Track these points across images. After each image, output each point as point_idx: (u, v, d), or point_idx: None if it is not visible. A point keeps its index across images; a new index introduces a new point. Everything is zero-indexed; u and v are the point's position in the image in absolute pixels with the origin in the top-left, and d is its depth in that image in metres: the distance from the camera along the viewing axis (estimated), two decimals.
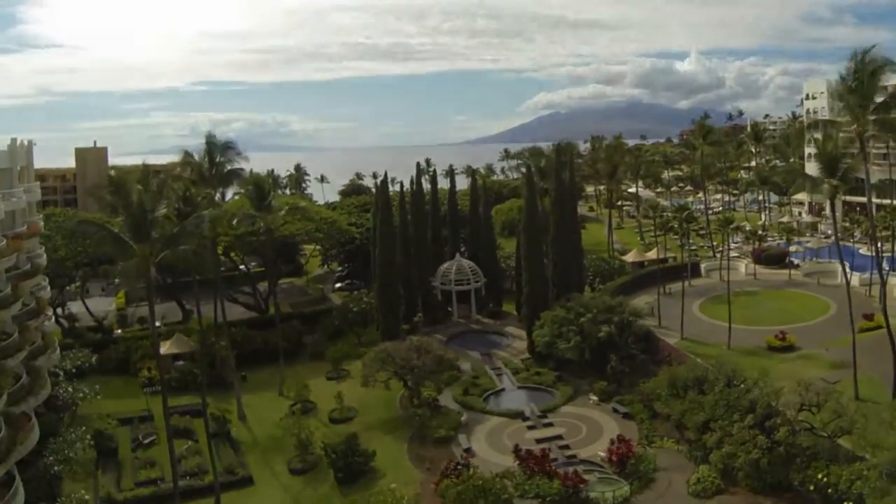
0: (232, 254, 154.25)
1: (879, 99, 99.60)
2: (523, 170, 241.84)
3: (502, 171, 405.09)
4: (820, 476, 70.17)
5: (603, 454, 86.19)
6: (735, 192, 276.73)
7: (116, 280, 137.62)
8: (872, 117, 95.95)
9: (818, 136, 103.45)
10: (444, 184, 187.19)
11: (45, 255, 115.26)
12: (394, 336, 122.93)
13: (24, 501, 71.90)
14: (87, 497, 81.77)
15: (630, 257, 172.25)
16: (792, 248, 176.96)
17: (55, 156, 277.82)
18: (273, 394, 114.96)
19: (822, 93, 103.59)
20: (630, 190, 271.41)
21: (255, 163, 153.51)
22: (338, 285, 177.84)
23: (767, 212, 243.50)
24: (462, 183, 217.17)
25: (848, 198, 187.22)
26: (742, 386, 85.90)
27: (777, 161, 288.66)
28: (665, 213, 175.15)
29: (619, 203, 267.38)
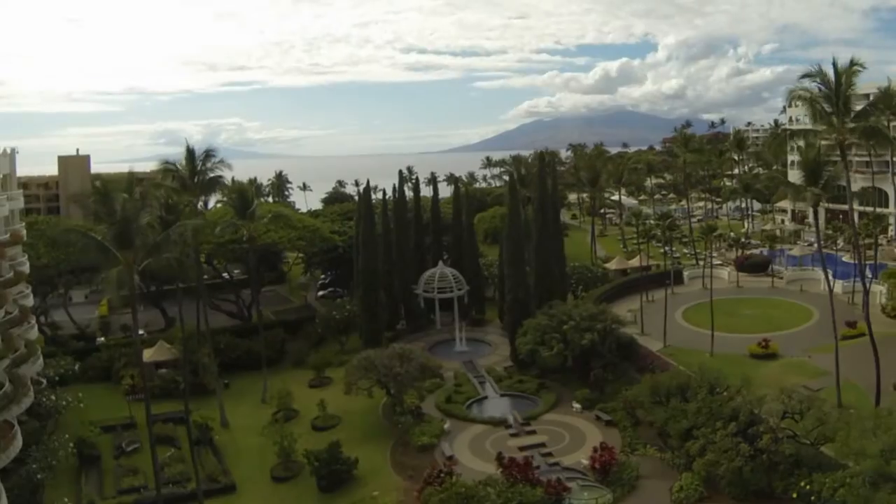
0: (215, 261, 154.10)
1: (859, 106, 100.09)
2: (506, 178, 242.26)
3: (484, 178, 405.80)
4: (803, 483, 70.23)
5: (586, 462, 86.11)
6: (718, 199, 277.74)
7: (99, 288, 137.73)
8: (852, 125, 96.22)
9: (800, 143, 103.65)
10: (426, 192, 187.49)
11: (27, 263, 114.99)
12: (376, 343, 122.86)
13: None
14: None
15: (613, 265, 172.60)
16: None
17: None
18: (256, 401, 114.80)
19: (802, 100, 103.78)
20: (613, 197, 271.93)
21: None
22: (321, 293, 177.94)
23: (750, 219, 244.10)
24: (445, 191, 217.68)
25: (831, 205, 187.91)
26: (725, 393, 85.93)
27: (760, 169, 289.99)
28: (648, 221, 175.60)
29: (602, 211, 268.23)
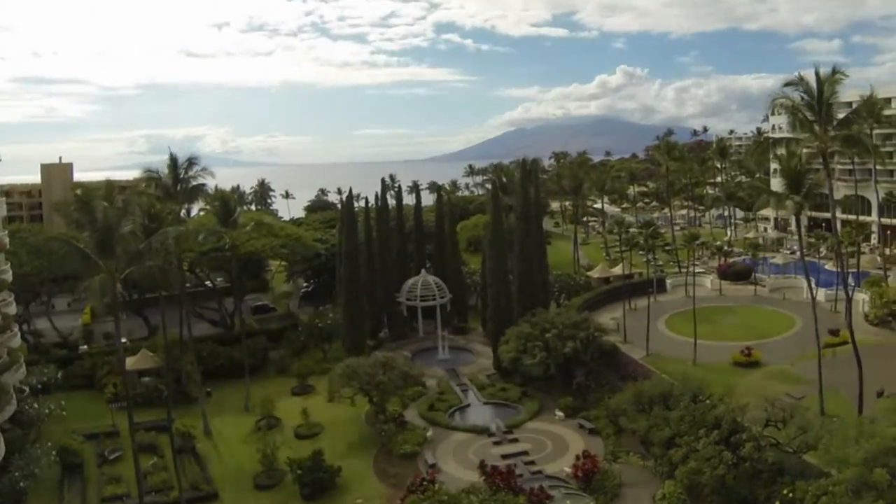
0: (198, 270, 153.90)
1: (841, 114, 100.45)
2: (488, 186, 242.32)
3: (467, 187, 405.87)
4: (786, 492, 70.19)
5: (568, 470, 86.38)
6: (701, 207, 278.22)
7: (82, 296, 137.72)
8: (834, 133, 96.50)
9: (782, 151, 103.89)
10: (409, 200, 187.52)
11: (10, 271, 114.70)
12: (359, 352, 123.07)
13: None
14: None
15: (595, 273, 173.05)
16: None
17: None
18: (238, 409, 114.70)
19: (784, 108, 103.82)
20: (596, 206, 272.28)
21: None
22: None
23: (733, 227, 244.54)
24: (428, 199, 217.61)
25: (813, 213, 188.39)
26: (708, 401, 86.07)
27: (742, 177, 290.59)
28: (630, 229, 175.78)
29: (585, 219, 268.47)
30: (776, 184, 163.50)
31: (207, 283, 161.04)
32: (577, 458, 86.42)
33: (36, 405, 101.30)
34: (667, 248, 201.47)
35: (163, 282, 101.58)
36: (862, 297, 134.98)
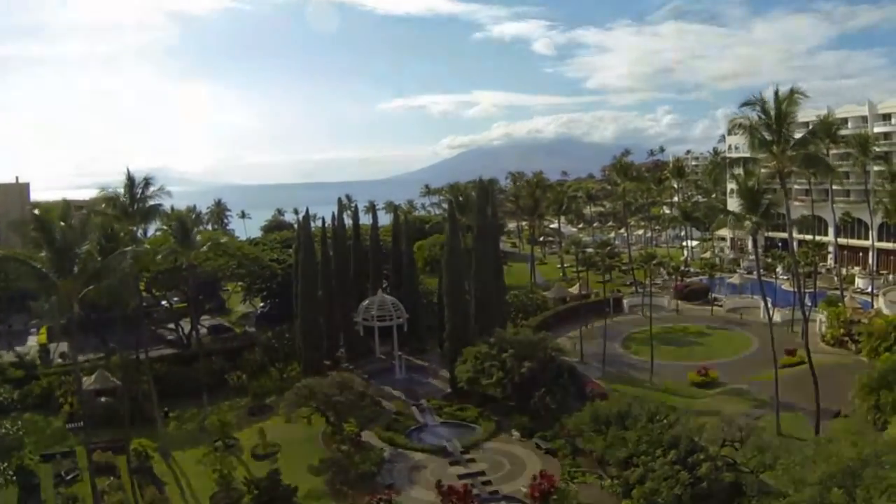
0: (154, 289, 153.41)
1: (798, 134, 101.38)
2: (445, 206, 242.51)
3: (423, 207, 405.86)
4: None
5: (525, 489, 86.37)
6: (657, 227, 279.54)
7: (40, 315, 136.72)
8: (791, 153, 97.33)
9: (739, 171, 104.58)
10: (366, 220, 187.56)
11: None
12: (317, 372, 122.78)
13: None
14: None
15: (552, 293, 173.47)
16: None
17: None
18: (195, 429, 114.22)
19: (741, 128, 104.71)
20: (552, 226, 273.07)
21: None
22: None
23: (689, 248, 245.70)
24: (385, 219, 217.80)
25: (770, 233, 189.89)
26: (665, 421, 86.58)
27: (699, 197, 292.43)
28: (587, 249, 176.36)
29: (542, 239, 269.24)
30: (733, 203, 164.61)
31: (164, 302, 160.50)
32: (534, 478, 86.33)
33: None
34: (623, 268, 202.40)
35: (120, 301, 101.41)
36: (819, 318, 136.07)
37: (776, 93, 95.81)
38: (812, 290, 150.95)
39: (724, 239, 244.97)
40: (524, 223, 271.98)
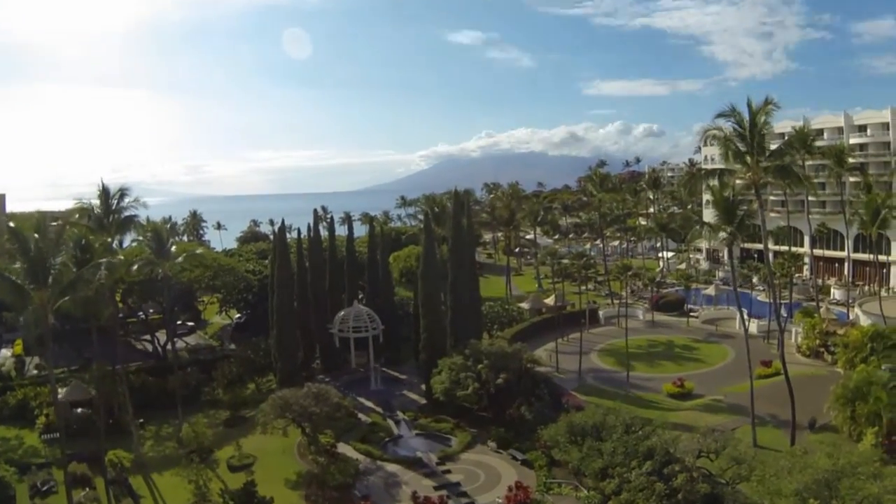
0: (130, 300, 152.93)
1: (774, 145, 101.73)
2: (421, 217, 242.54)
3: (399, 218, 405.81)
4: None
5: (500, 501, 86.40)
6: (633, 238, 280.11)
7: (15, 327, 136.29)
8: (766, 164, 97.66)
9: (714, 182, 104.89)
10: (342, 231, 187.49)
11: None
12: (293, 383, 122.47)
13: None
14: None
15: (528, 304, 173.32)
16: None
17: None
18: (171, 441, 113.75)
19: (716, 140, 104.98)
20: (528, 237, 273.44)
21: None
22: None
23: (665, 259, 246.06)
24: (360, 230, 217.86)
25: (746, 244, 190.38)
26: (640, 432, 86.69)
27: (675, 208, 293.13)
28: (563, 260, 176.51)
29: (518, 250, 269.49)
30: (708, 215, 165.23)
31: (140, 314, 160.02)
32: (510, 489, 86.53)
33: None
34: (599, 279, 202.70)
35: (95, 312, 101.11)
36: (794, 329, 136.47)
37: (749, 104, 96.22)
38: (788, 301, 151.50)
39: (699, 250, 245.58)
40: (500, 234, 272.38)
